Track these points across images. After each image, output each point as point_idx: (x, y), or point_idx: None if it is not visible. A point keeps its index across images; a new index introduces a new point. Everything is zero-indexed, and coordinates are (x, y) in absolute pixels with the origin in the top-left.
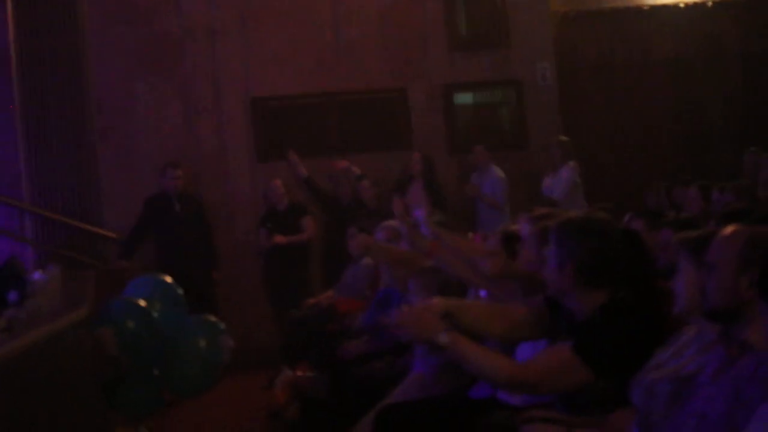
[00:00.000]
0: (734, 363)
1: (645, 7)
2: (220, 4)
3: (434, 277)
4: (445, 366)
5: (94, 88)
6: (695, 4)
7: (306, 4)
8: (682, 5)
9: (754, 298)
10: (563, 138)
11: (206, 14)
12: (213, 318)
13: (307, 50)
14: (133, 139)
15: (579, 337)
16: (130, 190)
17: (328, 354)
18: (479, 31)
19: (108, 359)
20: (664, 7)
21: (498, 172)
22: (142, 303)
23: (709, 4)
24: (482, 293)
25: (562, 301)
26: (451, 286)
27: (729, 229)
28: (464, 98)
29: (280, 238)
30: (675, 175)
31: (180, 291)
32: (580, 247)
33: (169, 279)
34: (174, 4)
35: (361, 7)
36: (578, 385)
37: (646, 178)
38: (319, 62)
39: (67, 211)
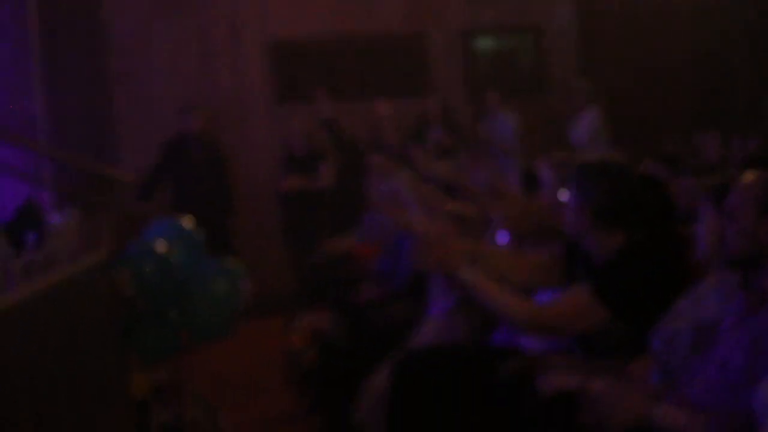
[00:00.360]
0: (755, 312)
1: None
2: None
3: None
4: (461, 309)
5: (110, 30)
6: None
7: None
8: None
9: None
10: (584, 82)
11: None
12: (232, 261)
13: None
14: (151, 82)
15: (597, 278)
16: (147, 133)
17: (346, 299)
18: None
19: (125, 301)
20: None
21: (509, 117)
22: (160, 246)
23: None
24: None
25: (580, 245)
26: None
27: (748, 176)
28: (483, 43)
29: (292, 182)
30: (695, 121)
31: (197, 234)
32: (597, 189)
33: (187, 222)
34: None
35: None
36: (596, 328)
37: (666, 124)
38: (338, 5)
39: (85, 154)
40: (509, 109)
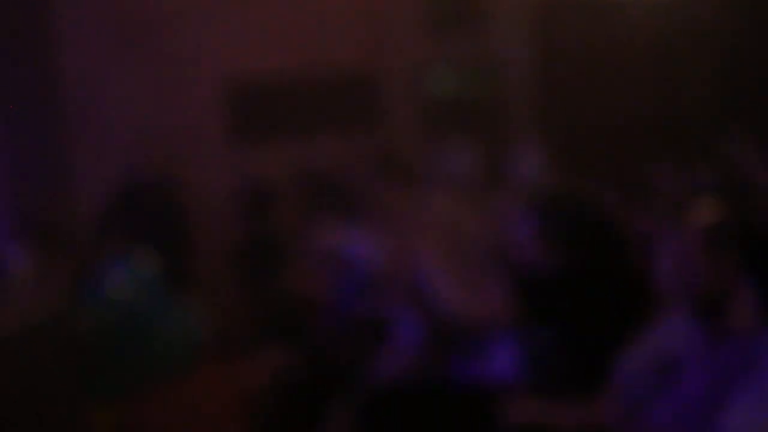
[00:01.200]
0: (718, 344)
1: None
2: None
3: None
4: (428, 341)
5: (66, 68)
6: None
7: None
8: None
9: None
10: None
11: None
12: (189, 301)
13: (280, 27)
14: (108, 119)
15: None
16: (104, 170)
17: (303, 334)
18: (454, 7)
19: (83, 343)
20: None
21: (469, 154)
22: (118, 285)
23: None
24: None
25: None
26: None
27: (697, 216)
28: (439, 78)
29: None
30: (652, 154)
31: (156, 272)
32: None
33: (145, 260)
34: None
35: None
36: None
37: (627, 156)
38: (291, 39)
39: (41, 191)
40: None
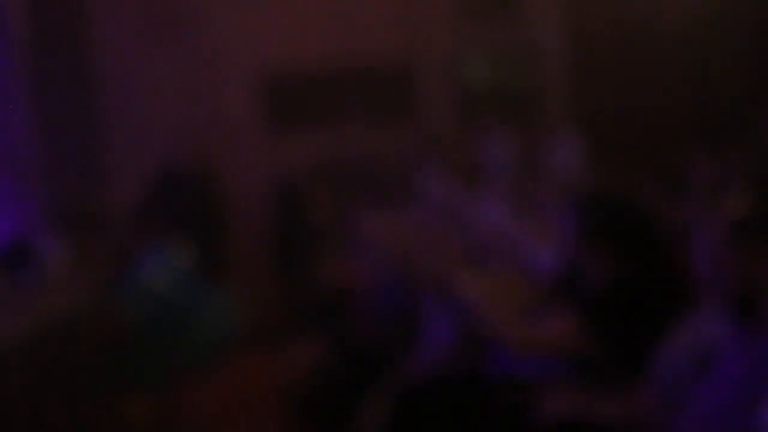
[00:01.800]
0: (754, 336)
1: None
2: None
3: None
4: (460, 334)
5: (99, 61)
6: None
7: None
8: None
9: None
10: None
11: None
12: (225, 291)
13: (311, 19)
14: (142, 112)
15: (591, 307)
16: (137, 163)
17: (340, 327)
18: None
19: (121, 334)
20: None
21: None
22: (155, 276)
23: None
24: None
25: (572, 272)
26: None
27: (737, 208)
28: (473, 67)
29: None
30: (690, 142)
31: (193, 263)
32: (592, 216)
33: (181, 251)
34: None
35: None
36: (584, 353)
37: (663, 146)
38: (323, 31)
39: (77, 184)
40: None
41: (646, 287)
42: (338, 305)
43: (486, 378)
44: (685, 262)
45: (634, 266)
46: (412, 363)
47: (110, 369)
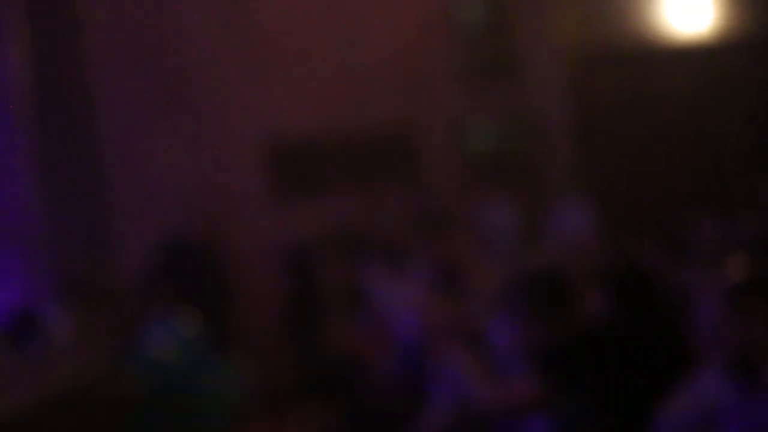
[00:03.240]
0: (756, 395)
1: (662, 48)
2: (231, 42)
3: None
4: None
5: (106, 131)
6: (712, 45)
7: (316, 42)
8: (699, 46)
9: None
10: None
11: (218, 52)
12: (234, 362)
13: (317, 87)
14: (148, 180)
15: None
16: (145, 231)
17: (353, 394)
18: (491, 66)
19: (129, 405)
20: (681, 48)
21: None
22: (162, 346)
23: (726, 44)
24: None
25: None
26: None
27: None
28: (477, 134)
29: None
30: (692, 207)
31: (200, 333)
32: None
33: (189, 320)
34: (186, 42)
35: (372, 43)
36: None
37: (666, 210)
38: (328, 99)
39: (83, 253)
40: (502, 199)
41: (648, 350)
42: (348, 371)
43: None
44: (687, 324)
45: (636, 328)
46: (422, 426)
47: None
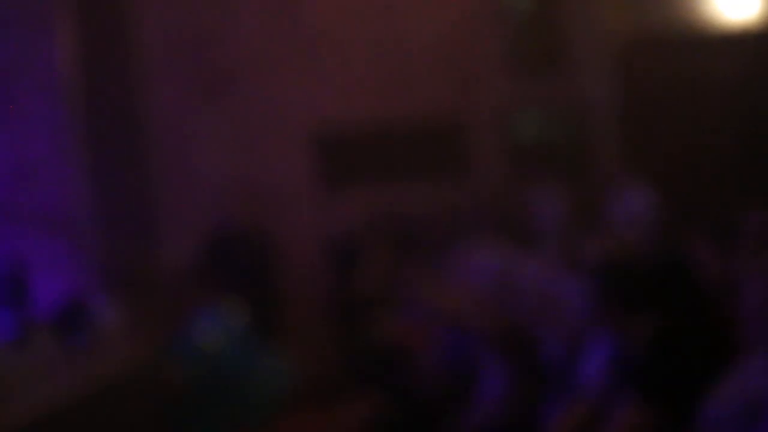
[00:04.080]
0: None
1: (711, 34)
2: (277, 32)
3: None
4: (514, 383)
5: (149, 118)
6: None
7: (362, 33)
8: (747, 32)
9: None
10: (620, 165)
11: (264, 41)
12: (279, 352)
13: (365, 78)
14: (194, 171)
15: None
16: (190, 221)
17: (398, 384)
18: (538, 56)
19: (173, 394)
20: (731, 34)
21: (557, 200)
22: (208, 337)
23: None
24: None
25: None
26: None
27: None
28: (525, 124)
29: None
30: (741, 198)
31: (246, 323)
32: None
33: (235, 311)
34: (232, 31)
35: (418, 32)
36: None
37: (714, 201)
38: (377, 90)
39: (130, 244)
40: (554, 191)
41: (694, 340)
42: (395, 362)
43: (539, 429)
44: (734, 314)
45: (682, 321)
46: (469, 417)
47: (164, 429)
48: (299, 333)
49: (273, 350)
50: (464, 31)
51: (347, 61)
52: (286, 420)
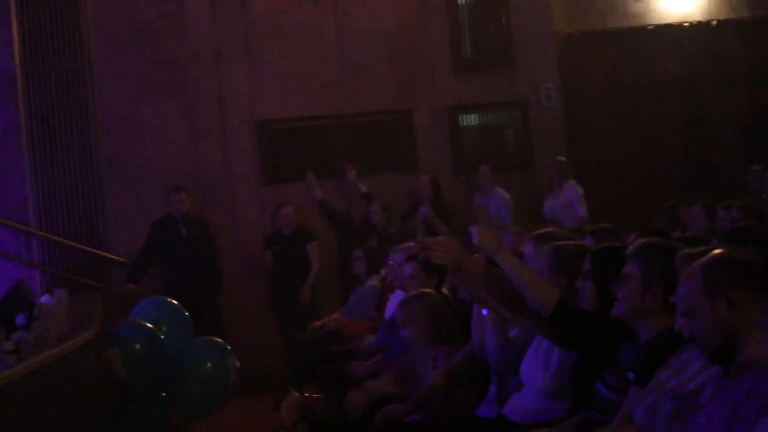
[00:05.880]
0: (734, 379)
1: (649, 27)
2: (225, 27)
3: None
4: (451, 381)
5: (100, 112)
6: (700, 23)
7: (312, 27)
8: (686, 24)
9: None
10: (560, 158)
11: (212, 36)
12: (219, 340)
13: (313, 72)
14: (140, 163)
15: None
16: (136, 213)
17: (335, 375)
18: (483, 52)
19: (115, 381)
20: (669, 26)
21: (503, 192)
22: (149, 325)
23: (714, 23)
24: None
25: (631, 323)
26: None
27: (688, 269)
28: (469, 119)
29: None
30: (681, 195)
31: (186, 313)
32: (668, 269)
33: (175, 302)
34: (180, 26)
35: (367, 28)
36: None
37: (651, 197)
38: (325, 84)
39: (74, 235)
40: (499, 184)
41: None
42: (334, 353)
43: (478, 419)
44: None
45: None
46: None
47: (105, 416)
48: (241, 323)
49: (214, 340)
50: (411, 28)
51: (295, 55)
52: (229, 408)
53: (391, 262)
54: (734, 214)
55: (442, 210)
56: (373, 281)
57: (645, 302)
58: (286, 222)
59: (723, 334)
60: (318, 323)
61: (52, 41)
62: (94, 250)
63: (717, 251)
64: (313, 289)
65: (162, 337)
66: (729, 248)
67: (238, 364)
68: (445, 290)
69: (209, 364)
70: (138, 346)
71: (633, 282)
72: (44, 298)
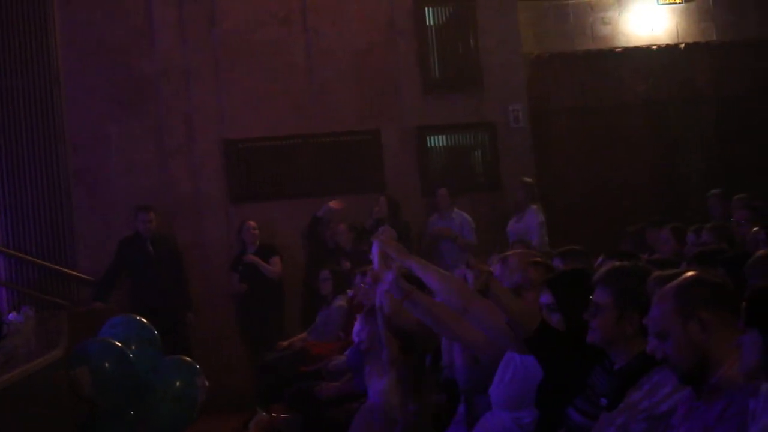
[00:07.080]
0: (706, 401)
1: (618, 50)
2: (194, 46)
3: None
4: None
5: (68, 129)
6: (668, 47)
7: (280, 46)
8: (655, 48)
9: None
10: (527, 179)
11: (180, 56)
12: (187, 359)
13: (281, 92)
14: (107, 181)
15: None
16: (103, 231)
17: (302, 395)
18: (452, 73)
19: (83, 399)
20: (638, 49)
21: (463, 214)
22: (118, 344)
23: (682, 47)
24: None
25: (606, 348)
26: None
27: (662, 291)
28: (437, 140)
29: (250, 257)
30: (648, 217)
31: (154, 332)
32: (640, 293)
33: (143, 320)
34: (148, 44)
35: (335, 49)
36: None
37: (619, 220)
38: (293, 104)
39: (41, 253)
40: (462, 205)
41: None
42: (301, 374)
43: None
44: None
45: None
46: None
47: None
48: (208, 342)
49: (183, 359)
50: (380, 48)
51: (263, 75)
52: (192, 429)
53: (361, 285)
54: (704, 237)
55: (400, 230)
56: (340, 302)
57: (621, 329)
58: (251, 237)
59: (696, 356)
60: (285, 343)
61: (20, 58)
62: (61, 268)
63: (689, 273)
64: (281, 308)
65: (131, 355)
66: (700, 271)
67: (207, 383)
68: None
69: (178, 383)
70: (107, 364)
71: (606, 311)
72: (12, 316)
